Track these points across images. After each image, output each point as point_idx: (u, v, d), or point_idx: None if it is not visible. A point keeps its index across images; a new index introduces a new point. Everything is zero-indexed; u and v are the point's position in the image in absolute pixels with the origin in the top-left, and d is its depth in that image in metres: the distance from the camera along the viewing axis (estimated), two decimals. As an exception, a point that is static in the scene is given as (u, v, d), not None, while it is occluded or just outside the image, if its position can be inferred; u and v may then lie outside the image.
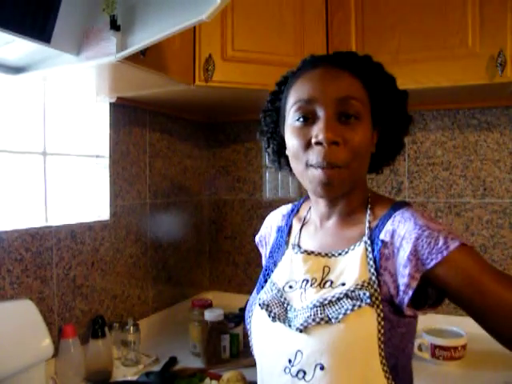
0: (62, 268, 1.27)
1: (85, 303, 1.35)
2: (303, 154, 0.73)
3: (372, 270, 0.69)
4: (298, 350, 0.69)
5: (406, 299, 0.66)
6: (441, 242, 0.64)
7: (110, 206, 1.46)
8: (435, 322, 1.42)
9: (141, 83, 1.28)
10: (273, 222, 0.93)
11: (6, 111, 1.23)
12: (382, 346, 0.65)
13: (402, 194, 1.70)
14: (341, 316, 0.66)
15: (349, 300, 0.67)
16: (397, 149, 0.81)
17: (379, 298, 0.67)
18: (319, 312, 0.68)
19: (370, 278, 0.69)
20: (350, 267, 0.71)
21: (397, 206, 0.74)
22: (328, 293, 0.70)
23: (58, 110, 1.37)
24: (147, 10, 0.90)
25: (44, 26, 0.93)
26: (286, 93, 0.79)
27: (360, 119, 0.72)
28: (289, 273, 0.79)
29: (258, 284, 0.85)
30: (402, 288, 0.66)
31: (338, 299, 0.68)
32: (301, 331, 0.68)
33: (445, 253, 0.63)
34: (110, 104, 1.46)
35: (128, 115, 1.54)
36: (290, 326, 0.71)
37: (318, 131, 0.70)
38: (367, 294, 0.67)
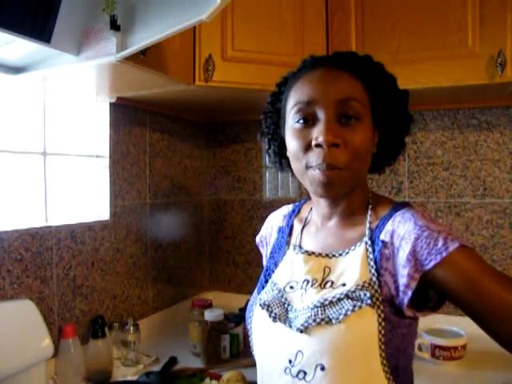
0: (61, 268, 1.27)
1: (85, 303, 1.35)
2: (303, 156, 0.72)
3: (373, 271, 0.69)
4: (299, 351, 0.69)
5: (406, 300, 0.66)
6: (440, 243, 0.64)
7: (110, 206, 1.46)
8: (435, 322, 1.42)
9: (141, 83, 1.28)
10: (274, 222, 0.93)
11: (6, 111, 1.23)
12: (383, 346, 0.65)
13: (402, 194, 1.70)
14: (341, 316, 0.66)
15: (349, 300, 0.67)
16: (398, 149, 0.81)
17: (380, 298, 0.67)
18: (320, 312, 0.68)
19: (371, 279, 0.68)
20: (351, 268, 0.71)
21: (397, 206, 0.74)
22: (329, 293, 0.70)
23: (58, 110, 1.37)
24: (147, 10, 0.90)
25: (44, 26, 0.92)
26: (286, 94, 0.78)
27: (360, 120, 0.72)
28: (290, 273, 0.79)
29: (258, 284, 0.85)
30: (401, 288, 0.66)
31: (339, 300, 0.68)
32: (301, 331, 0.68)
33: (444, 254, 0.63)
34: (110, 104, 1.46)
35: (128, 115, 1.54)
36: (290, 326, 0.70)
37: (318, 133, 0.70)
38: (368, 294, 0.67)
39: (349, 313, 0.66)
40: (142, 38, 0.91)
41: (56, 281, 1.25)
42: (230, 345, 1.40)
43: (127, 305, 1.53)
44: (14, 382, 1.01)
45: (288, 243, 0.85)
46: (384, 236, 0.70)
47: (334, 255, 0.75)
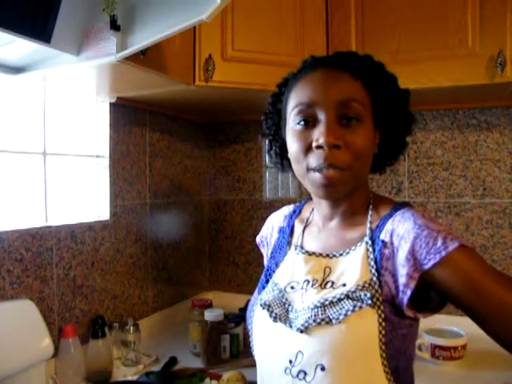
0: (61, 268, 1.27)
1: (85, 303, 1.35)
2: (304, 157, 0.72)
3: (373, 271, 0.69)
4: (299, 351, 0.68)
5: (405, 299, 0.66)
6: (439, 242, 0.63)
7: (110, 206, 1.46)
8: (435, 322, 1.41)
9: (141, 83, 1.28)
10: (274, 222, 0.93)
11: (6, 111, 1.23)
12: (383, 347, 0.65)
13: (402, 194, 1.70)
14: (341, 317, 0.66)
15: (350, 301, 0.67)
16: (399, 149, 0.81)
17: (380, 298, 0.67)
18: (320, 313, 0.68)
19: (371, 279, 0.68)
20: (351, 268, 0.71)
21: (398, 206, 0.74)
22: (329, 293, 0.70)
23: (58, 110, 1.37)
24: (147, 10, 0.90)
25: (44, 26, 0.92)
26: (287, 95, 0.78)
27: (361, 121, 0.71)
28: (291, 274, 0.79)
29: (259, 284, 0.85)
30: (401, 288, 0.66)
31: (339, 300, 0.68)
32: (301, 332, 0.68)
33: (443, 253, 0.62)
34: (110, 104, 1.46)
35: (128, 115, 1.54)
36: (290, 326, 0.70)
37: (318, 135, 0.70)
38: (368, 294, 0.67)
39: (349, 313, 0.66)
40: (142, 38, 0.91)
41: (56, 281, 1.25)
42: (230, 345, 1.40)
43: (127, 305, 1.53)
44: (14, 382, 1.01)
45: (289, 243, 0.85)
46: (384, 236, 0.70)
47: (334, 255, 0.75)
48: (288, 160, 0.81)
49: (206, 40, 1.29)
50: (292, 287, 0.77)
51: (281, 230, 0.89)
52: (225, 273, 2.00)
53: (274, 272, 0.83)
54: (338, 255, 0.75)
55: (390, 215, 0.72)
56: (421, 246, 0.64)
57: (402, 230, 0.68)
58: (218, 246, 2.01)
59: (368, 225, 0.74)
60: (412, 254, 0.65)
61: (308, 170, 0.72)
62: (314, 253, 0.78)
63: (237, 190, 1.97)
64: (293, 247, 0.83)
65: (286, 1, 1.40)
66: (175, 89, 1.32)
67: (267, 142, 0.88)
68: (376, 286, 0.68)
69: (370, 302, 0.66)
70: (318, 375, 0.66)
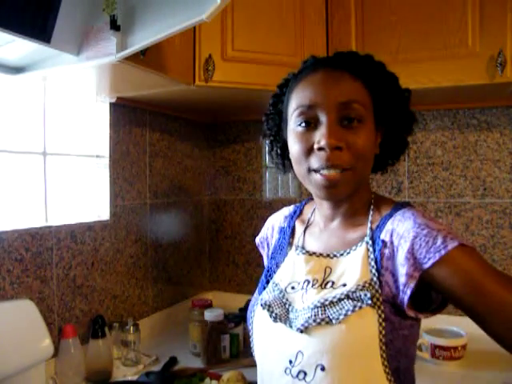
0: (61, 268, 1.27)
1: (85, 303, 1.35)
2: (305, 159, 0.72)
3: (373, 271, 0.69)
4: (299, 351, 0.68)
5: (406, 299, 0.65)
6: (439, 241, 0.63)
7: (110, 206, 1.46)
8: (435, 322, 1.41)
9: (141, 83, 1.28)
10: (274, 223, 0.93)
11: (6, 111, 1.23)
12: (384, 347, 0.65)
13: (401, 194, 1.70)
14: (341, 317, 0.66)
15: (350, 301, 0.67)
16: (401, 148, 0.81)
17: (380, 298, 0.67)
18: (320, 313, 0.68)
19: (372, 279, 0.68)
20: (352, 268, 0.71)
21: (399, 206, 0.74)
22: (329, 293, 0.70)
23: (58, 110, 1.37)
24: (147, 10, 0.90)
25: (44, 26, 0.92)
26: (288, 96, 0.78)
27: (363, 122, 0.71)
28: (291, 274, 0.79)
29: (259, 285, 0.85)
30: (401, 288, 0.66)
31: (339, 300, 0.68)
32: (301, 332, 0.68)
33: (443, 252, 0.62)
34: (110, 104, 1.46)
35: (128, 115, 1.54)
36: (291, 326, 0.70)
37: (320, 137, 0.70)
38: (368, 294, 0.67)
39: (349, 313, 0.66)
40: (142, 38, 0.91)
41: (56, 281, 1.25)
42: (229, 345, 1.40)
43: (127, 305, 1.53)
44: (14, 382, 1.01)
45: (290, 244, 0.85)
46: (384, 235, 0.70)
47: (335, 255, 0.75)
48: (289, 160, 0.81)
49: (206, 40, 1.29)
50: (293, 287, 0.77)
51: (281, 231, 0.89)
52: (225, 273, 2.00)
53: (274, 272, 0.83)
54: (338, 255, 0.75)
55: (390, 215, 0.72)
56: (420, 245, 0.64)
57: (401, 229, 0.68)
58: (218, 246, 2.01)
59: (369, 225, 0.74)
60: (412, 253, 0.65)
61: (309, 171, 0.72)
62: (314, 253, 0.78)
63: (237, 189, 1.96)
64: (294, 248, 0.83)
65: (286, 1, 1.40)
66: (175, 89, 1.32)
67: (268, 142, 0.87)
68: (376, 286, 0.68)
69: (370, 301, 0.66)
70: (317, 375, 0.66)
